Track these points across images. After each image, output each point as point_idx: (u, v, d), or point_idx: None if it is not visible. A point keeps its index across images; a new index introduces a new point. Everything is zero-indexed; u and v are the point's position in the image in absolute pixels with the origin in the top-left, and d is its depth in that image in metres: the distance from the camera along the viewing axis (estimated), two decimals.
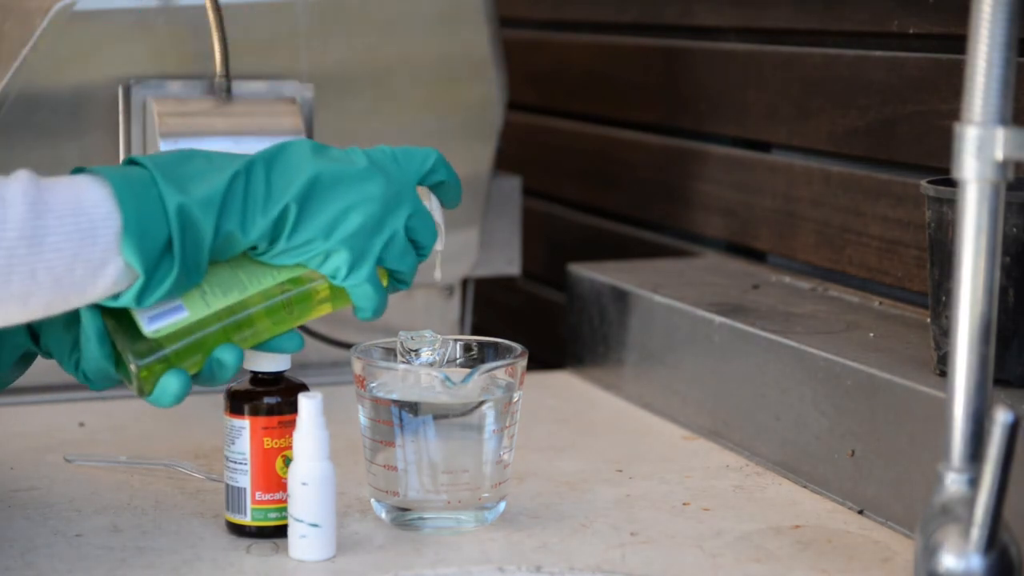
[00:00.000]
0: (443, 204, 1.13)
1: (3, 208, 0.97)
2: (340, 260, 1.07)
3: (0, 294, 0.97)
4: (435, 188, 1.12)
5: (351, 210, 1.06)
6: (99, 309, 1.05)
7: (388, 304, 1.10)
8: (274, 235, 1.05)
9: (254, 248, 1.06)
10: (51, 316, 1.02)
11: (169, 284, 1.02)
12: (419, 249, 1.10)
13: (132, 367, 1.04)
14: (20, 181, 0.99)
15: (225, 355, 1.06)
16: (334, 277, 1.07)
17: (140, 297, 1.02)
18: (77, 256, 0.99)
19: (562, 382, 1.59)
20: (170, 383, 1.04)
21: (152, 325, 1.03)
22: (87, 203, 1.00)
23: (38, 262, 0.98)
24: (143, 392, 1.05)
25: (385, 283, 1.09)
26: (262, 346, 1.09)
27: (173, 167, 1.04)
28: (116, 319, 1.05)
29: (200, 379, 1.07)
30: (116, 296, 1.02)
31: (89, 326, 1.05)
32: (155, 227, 1.01)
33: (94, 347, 1.06)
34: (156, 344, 1.04)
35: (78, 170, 1.04)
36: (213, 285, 1.06)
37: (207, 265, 1.04)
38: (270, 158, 1.07)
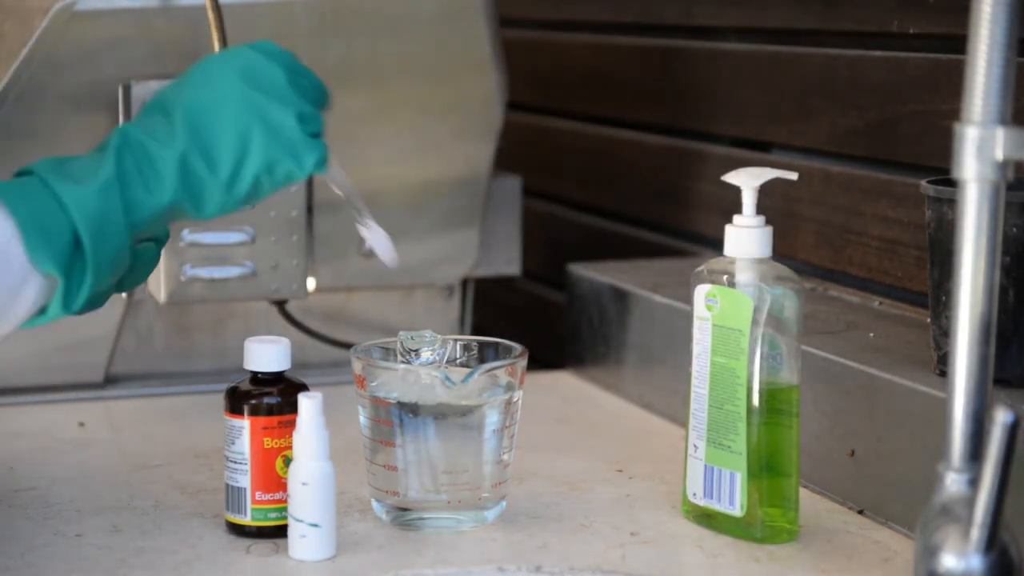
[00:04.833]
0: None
1: None
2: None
3: None
4: None
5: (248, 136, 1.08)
6: None
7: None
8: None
9: None
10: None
11: (89, 282, 0.99)
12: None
13: None
14: None
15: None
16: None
17: (65, 302, 0.99)
18: None
19: (562, 382, 1.59)
20: None
21: None
22: None
23: None
24: None
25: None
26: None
27: (58, 165, 1.01)
28: None
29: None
30: (43, 311, 1.00)
31: None
32: (56, 224, 0.98)
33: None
34: None
35: None
36: None
37: (130, 246, 1.02)
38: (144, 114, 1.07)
